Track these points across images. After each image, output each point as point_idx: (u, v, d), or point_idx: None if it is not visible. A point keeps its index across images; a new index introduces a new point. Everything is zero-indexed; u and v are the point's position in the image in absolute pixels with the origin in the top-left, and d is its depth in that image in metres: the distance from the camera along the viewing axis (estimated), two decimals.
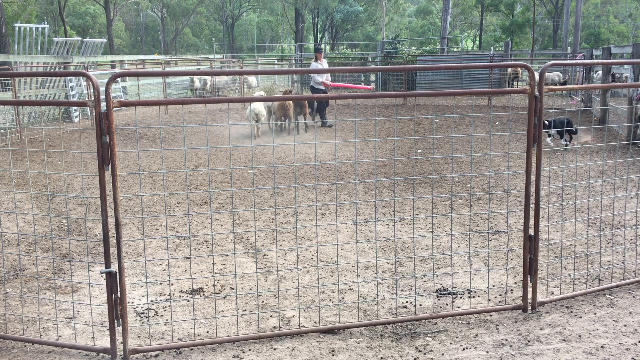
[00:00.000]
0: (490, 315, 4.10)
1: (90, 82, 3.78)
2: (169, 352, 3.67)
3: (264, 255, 5.47)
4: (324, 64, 14.51)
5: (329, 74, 14.49)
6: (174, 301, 4.43)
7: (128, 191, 8.00)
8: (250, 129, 13.09)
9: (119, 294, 3.57)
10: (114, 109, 3.55)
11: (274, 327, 4.00)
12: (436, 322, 4.03)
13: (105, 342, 3.76)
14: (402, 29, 64.17)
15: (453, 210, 6.83)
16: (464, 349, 3.64)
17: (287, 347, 3.70)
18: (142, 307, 4.33)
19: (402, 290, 4.59)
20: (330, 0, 46.54)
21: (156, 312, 4.27)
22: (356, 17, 49.61)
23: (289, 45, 63.13)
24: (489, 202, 7.07)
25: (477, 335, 3.83)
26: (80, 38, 19.13)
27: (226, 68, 28.00)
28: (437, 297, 4.45)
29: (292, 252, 5.49)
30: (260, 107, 12.56)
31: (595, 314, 4.10)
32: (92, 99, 3.48)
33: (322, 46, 14.91)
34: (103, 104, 3.44)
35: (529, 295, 4.13)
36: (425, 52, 31.75)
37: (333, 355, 3.61)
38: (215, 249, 5.63)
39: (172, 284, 4.71)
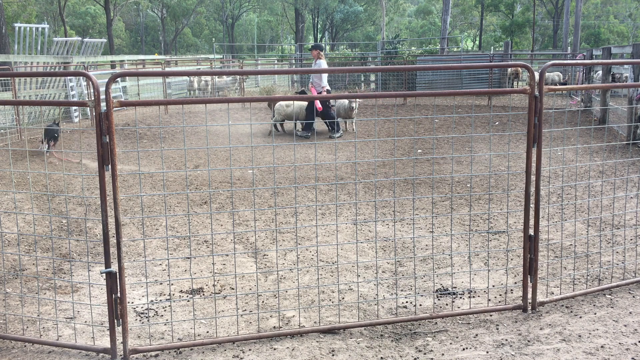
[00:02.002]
0: (490, 315, 4.10)
1: (90, 82, 3.78)
2: (169, 352, 3.67)
3: (264, 255, 5.47)
4: (319, 64, 12.45)
5: (324, 75, 12.63)
6: (174, 301, 4.43)
7: (128, 191, 8.00)
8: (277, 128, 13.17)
9: (119, 294, 3.57)
10: (114, 109, 3.55)
11: (274, 327, 4.00)
12: (436, 322, 4.03)
13: (105, 342, 3.77)
14: (402, 29, 64.21)
15: (453, 210, 6.83)
16: (464, 349, 3.64)
17: (287, 347, 3.70)
18: (142, 307, 4.33)
19: (402, 290, 4.59)
20: (330, 0, 46.55)
21: (156, 312, 4.27)
22: (356, 17, 49.65)
23: (289, 45, 63.16)
24: (489, 202, 7.07)
25: (477, 335, 3.83)
26: (80, 38, 19.13)
27: (226, 68, 28.01)
28: (437, 297, 4.45)
29: (292, 252, 5.49)
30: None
31: (595, 314, 4.10)
32: (92, 99, 3.48)
33: (321, 43, 13.08)
34: (103, 104, 3.44)
35: (529, 295, 4.13)
36: (425, 52, 31.76)
37: (333, 355, 3.61)
38: (215, 249, 5.63)
39: (172, 284, 4.71)
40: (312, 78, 12.79)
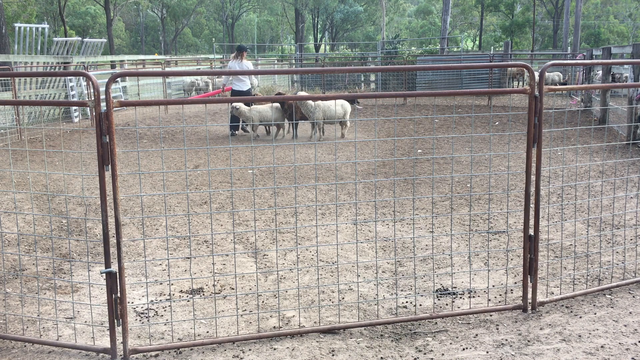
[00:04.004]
0: (490, 315, 4.10)
1: (90, 82, 3.78)
2: (169, 352, 3.67)
3: (264, 255, 5.47)
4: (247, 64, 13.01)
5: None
6: (174, 301, 4.43)
7: (128, 191, 8.00)
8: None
9: (119, 294, 3.57)
10: (114, 109, 3.55)
11: (274, 327, 4.00)
12: (436, 322, 4.03)
13: (105, 342, 3.77)
14: (402, 29, 64.25)
15: (453, 210, 6.83)
16: (464, 349, 3.64)
17: (287, 347, 3.70)
18: (142, 307, 4.33)
19: (402, 290, 4.59)
20: (330, 0, 46.56)
21: (156, 312, 4.27)
22: (356, 17, 49.66)
23: (289, 45, 63.16)
24: (489, 202, 7.07)
25: (477, 335, 3.83)
26: (80, 38, 19.14)
27: (226, 68, 28.01)
28: (437, 297, 4.45)
29: (292, 252, 5.49)
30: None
31: (595, 314, 4.10)
32: (92, 99, 3.48)
33: (243, 45, 13.46)
34: (103, 104, 3.44)
35: (529, 295, 4.13)
36: (425, 52, 31.77)
37: (333, 355, 3.61)
38: (215, 249, 5.63)
39: (172, 284, 4.71)
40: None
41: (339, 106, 11.97)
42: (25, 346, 3.81)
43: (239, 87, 12.86)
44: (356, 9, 48.24)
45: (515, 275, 4.81)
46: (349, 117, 12.19)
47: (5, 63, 14.75)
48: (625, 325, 3.91)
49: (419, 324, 4.00)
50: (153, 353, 3.66)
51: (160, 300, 4.46)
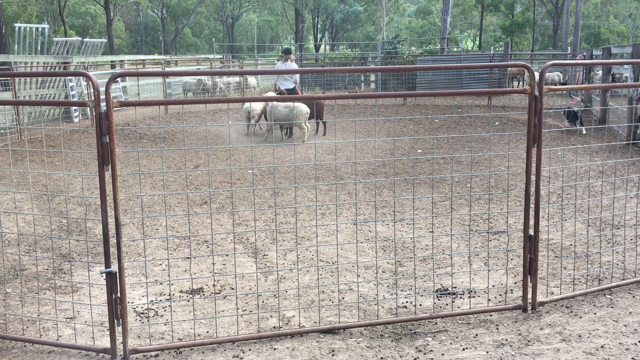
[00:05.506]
0: (490, 315, 4.10)
1: (90, 82, 3.78)
2: (169, 352, 3.67)
3: (264, 255, 5.47)
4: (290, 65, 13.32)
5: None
6: (174, 301, 4.43)
7: (128, 191, 8.00)
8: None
9: (119, 294, 3.57)
10: (114, 109, 3.55)
11: (274, 327, 4.00)
12: (436, 322, 4.03)
13: (105, 342, 3.77)
14: (402, 29, 64.22)
15: (453, 210, 6.83)
16: (464, 349, 3.64)
17: (287, 347, 3.70)
18: (142, 307, 4.33)
19: (402, 290, 4.59)
20: (330, 0, 46.56)
21: (156, 312, 4.27)
22: (356, 17, 49.64)
23: (289, 46, 63.15)
24: (489, 202, 7.07)
25: (477, 335, 3.83)
26: (80, 38, 19.12)
27: (226, 68, 28.02)
28: (437, 297, 4.45)
29: (292, 252, 5.49)
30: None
31: (595, 314, 4.10)
32: (92, 99, 3.48)
33: (288, 47, 14.22)
34: (103, 104, 3.44)
35: (529, 295, 4.13)
36: (425, 52, 31.77)
37: (333, 355, 3.61)
38: (215, 249, 5.63)
39: (172, 284, 4.71)
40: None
41: (287, 109, 11.51)
42: (25, 346, 3.81)
43: (285, 85, 13.45)
44: (356, 9, 48.22)
45: (515, 275, 4.81)
46: (303, 119, 11.59)
47: (5, 63, 14.74)
48: (625, 325, 3.92)
49: (419, 324, 4.00)
50: (153, 353, 3.66)
51: (160, 300, 4.46)
